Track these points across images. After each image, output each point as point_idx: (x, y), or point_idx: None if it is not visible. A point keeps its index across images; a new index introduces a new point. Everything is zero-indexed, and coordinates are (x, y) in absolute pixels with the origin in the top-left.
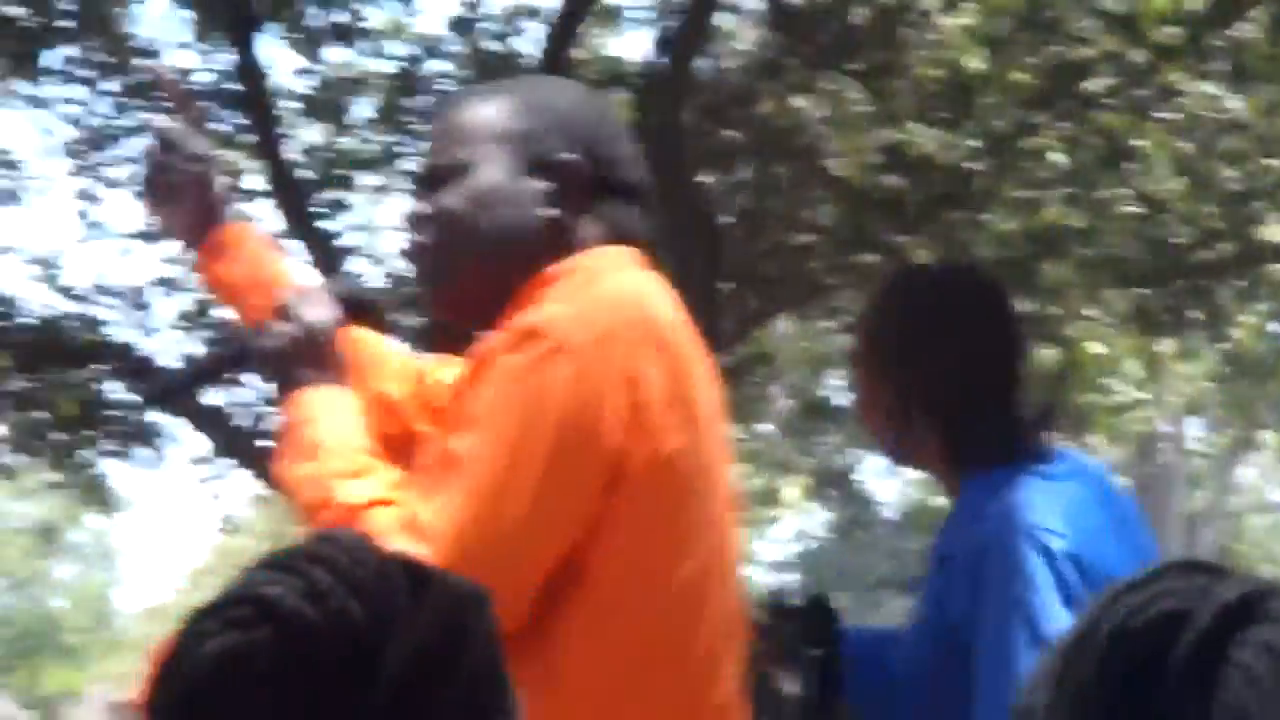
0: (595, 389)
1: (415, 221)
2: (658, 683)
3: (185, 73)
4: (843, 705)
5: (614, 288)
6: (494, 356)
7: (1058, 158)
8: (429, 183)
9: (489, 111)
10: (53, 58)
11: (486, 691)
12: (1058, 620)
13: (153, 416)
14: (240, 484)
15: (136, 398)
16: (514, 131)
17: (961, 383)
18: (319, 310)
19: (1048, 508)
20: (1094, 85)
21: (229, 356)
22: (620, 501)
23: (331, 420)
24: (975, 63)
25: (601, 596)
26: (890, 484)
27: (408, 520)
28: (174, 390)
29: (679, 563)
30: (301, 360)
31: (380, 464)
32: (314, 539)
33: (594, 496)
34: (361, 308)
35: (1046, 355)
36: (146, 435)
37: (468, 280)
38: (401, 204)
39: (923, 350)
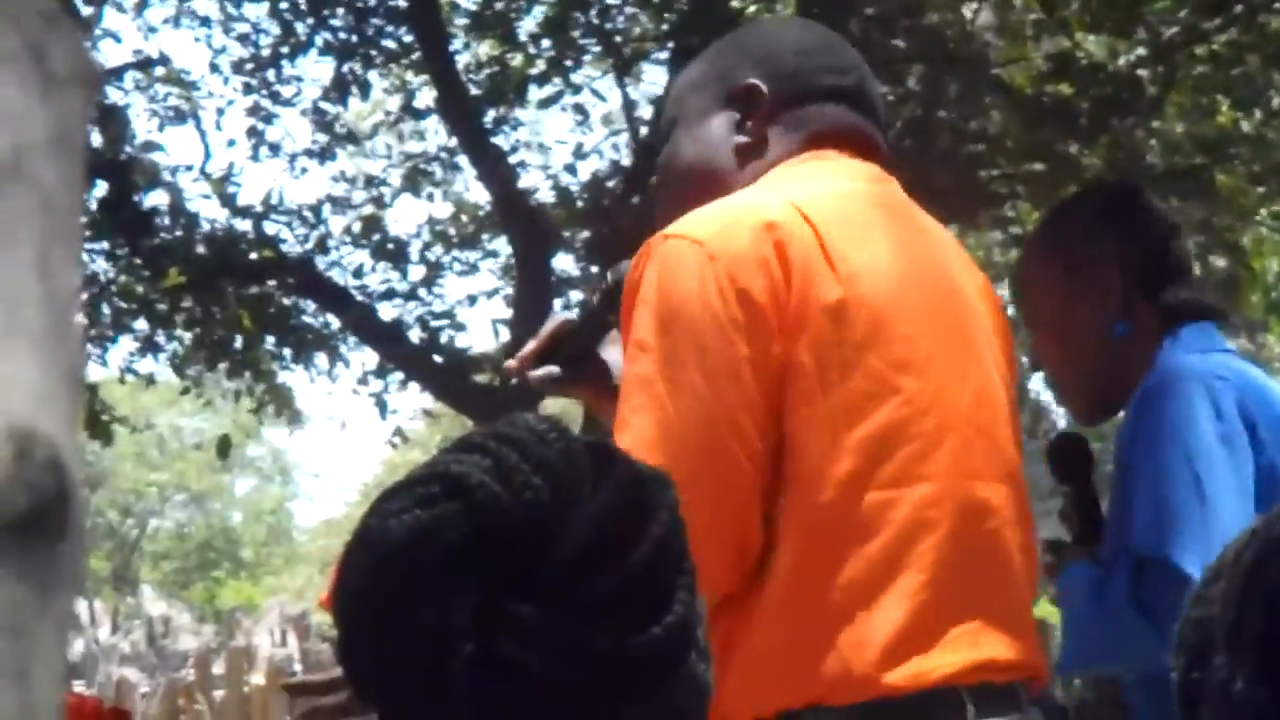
0: (730, 260)
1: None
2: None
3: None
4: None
5: (761, 183)
6: (635, 277)
7: (1228, 63)
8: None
9: (687, 72)
10: None
11: (666, 569)
12: (1212, 462)
13: (326, 328)
14: (410, 399)
15: (310, 308)
16: (704, 77)
17: (1155, 244)
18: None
19: (1222, 364)
20: None
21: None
22: (795, 351)
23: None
24: None
25: (800, 462)
26: None
27: None
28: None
29: (873, 407)
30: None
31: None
32: (501, 422)
33: (762, 361)
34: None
35: (1218, 263)
36: (321, 344)
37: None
38: (569, 118)
39: (1113, 220)
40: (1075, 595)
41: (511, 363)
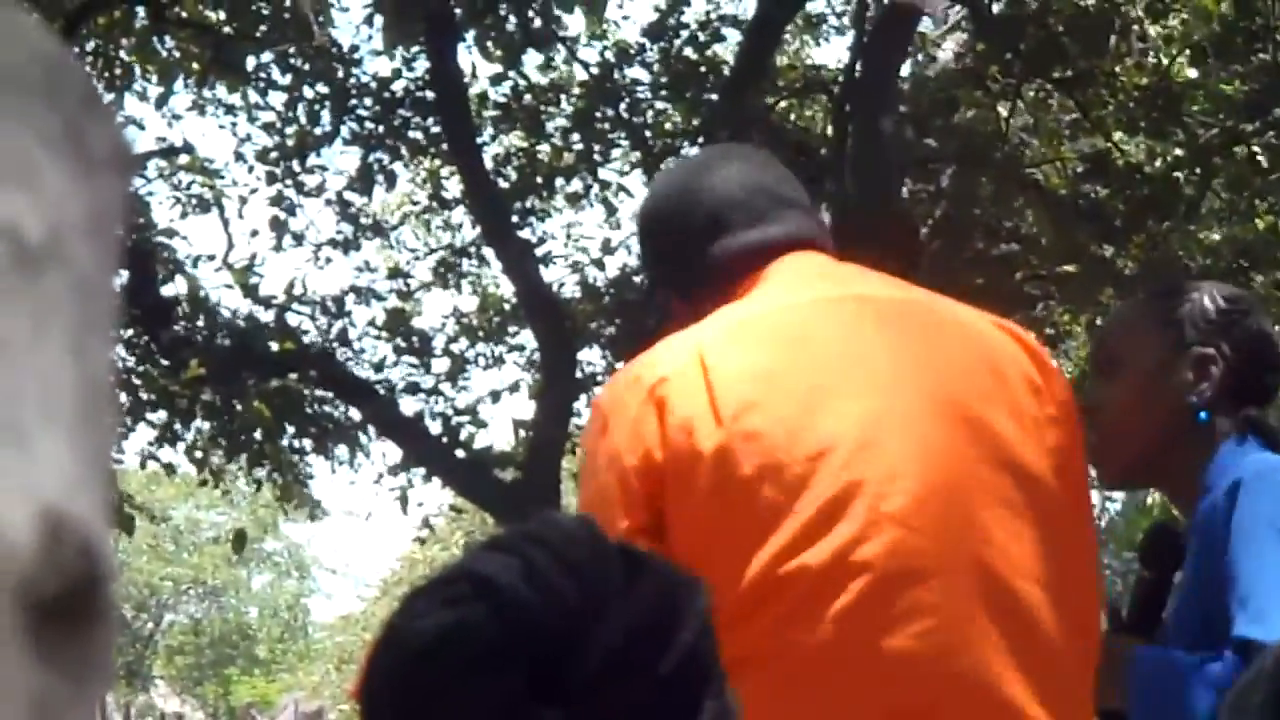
0: (617, 431)
1: None
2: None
3: (383, 81)
4: (1160, 631)
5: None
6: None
7: (1266, 166)
8: None
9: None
10: (251, 64)
11: (697, 674)
12: None
13: (348, 418)
14: (432, 493)
15: (329, 397)
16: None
17: (1257, 367)
18: None
19: None
20: None
21: None
22: (674, 508)
23: None
24: (1184, 70)
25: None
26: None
27: None
28: None
29: (755, 550)
30: None
31: None
32: (532, 521)
33: (641, 515)
34: None
35: None
36: (343, 434)
37: None
38: (598, 211)
39: (1233, 325)
40: (1164, 677)
41: None
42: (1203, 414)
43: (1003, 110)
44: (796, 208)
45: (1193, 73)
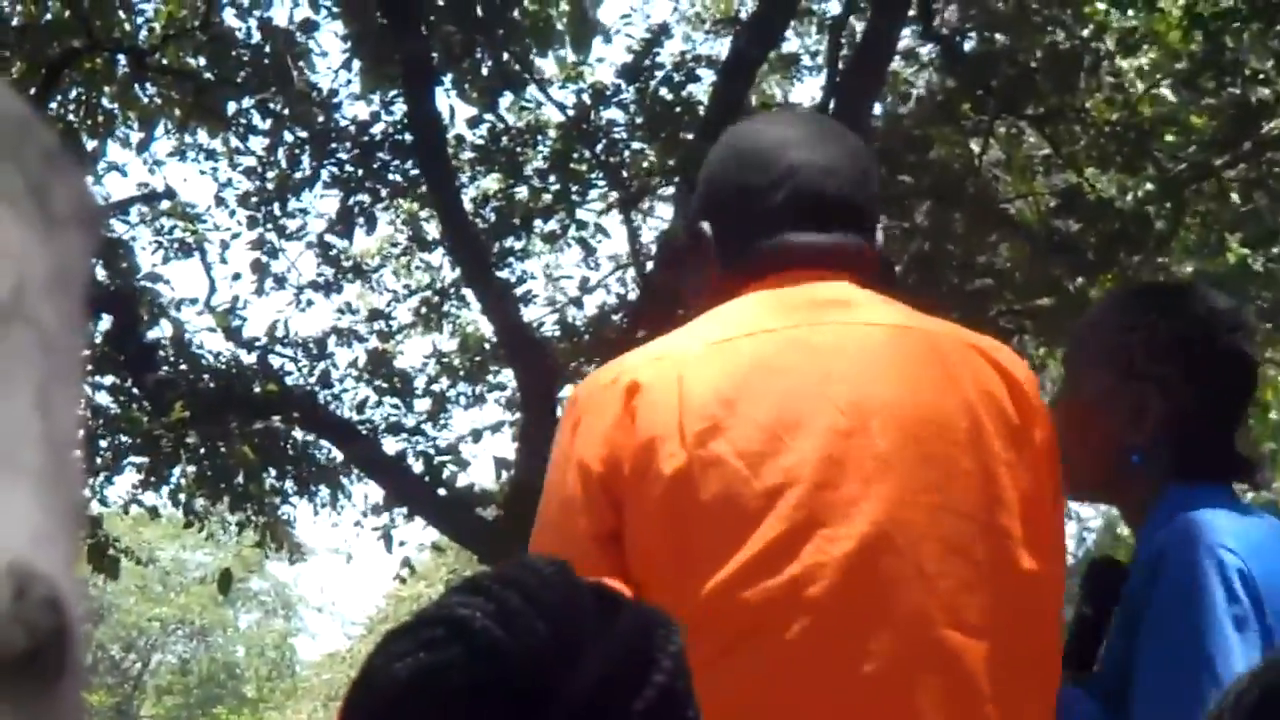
0: (587, 429)
1: None
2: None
3: (362, 125)
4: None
5: (682, 329)
6: None
7: (1237, 200)
8: None
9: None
10: (231, 109)
11: (672, 715)
12: (1225, 645)
13: (330, 461)
14: (415, 532)
15: (314, 440)
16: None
17: (1217, 393)
18: None
19: (1233, 531)
20: (1274, 127)
21: None
22: (631, 520)
23: None
24: (1153, 105)
25: None
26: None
27: None
28: None
29: (702, 579)
30: None
31: None
32: (508, 564)
33: (603, 519)
34: None
35: None
36: (325, 476)
37: None
38: (576, 251)
39: (1189, 353)
40: None
41: None
42: (1135, 457)
43: (975, 146)
44: (852, 225)
45: (1170, 97)
